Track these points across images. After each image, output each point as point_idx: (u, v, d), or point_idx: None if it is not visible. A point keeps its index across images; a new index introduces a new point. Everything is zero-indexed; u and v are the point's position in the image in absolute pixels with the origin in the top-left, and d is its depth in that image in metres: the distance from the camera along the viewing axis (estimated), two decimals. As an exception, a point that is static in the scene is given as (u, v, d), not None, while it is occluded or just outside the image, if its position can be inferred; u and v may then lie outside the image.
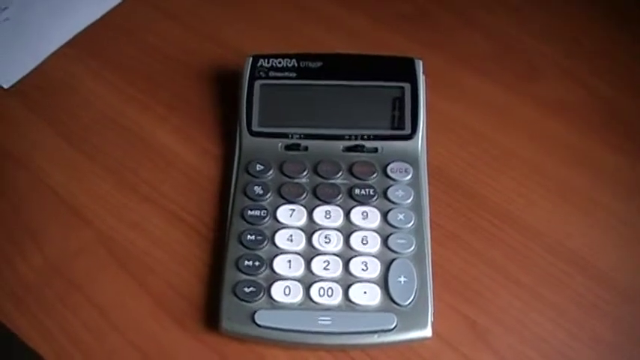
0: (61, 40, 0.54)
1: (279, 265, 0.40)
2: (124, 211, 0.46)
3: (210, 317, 0.41)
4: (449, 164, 0.47)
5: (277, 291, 0.40)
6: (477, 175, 0.47)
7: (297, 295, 0.40)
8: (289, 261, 0.41)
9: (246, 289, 0.40)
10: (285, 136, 0.45)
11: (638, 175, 0.47)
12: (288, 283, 0.40)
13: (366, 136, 0.45)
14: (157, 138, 0.49)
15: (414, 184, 0.43)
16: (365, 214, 0.42)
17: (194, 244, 0.44)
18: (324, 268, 0.40)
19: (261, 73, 0.46)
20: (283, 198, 0.43)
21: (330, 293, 0.39)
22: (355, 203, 0.43)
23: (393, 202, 0.43)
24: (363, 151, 0.44)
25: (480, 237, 0.44)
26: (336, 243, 0.41)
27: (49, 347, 0.40)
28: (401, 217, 0.42)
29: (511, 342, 0.40)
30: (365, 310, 0.39)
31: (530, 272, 0.43)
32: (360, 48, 0.48)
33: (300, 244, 0.41)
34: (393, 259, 0.41)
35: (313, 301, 0.39)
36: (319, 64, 0.47)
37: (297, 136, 0.45)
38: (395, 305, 0.39)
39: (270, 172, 0.44)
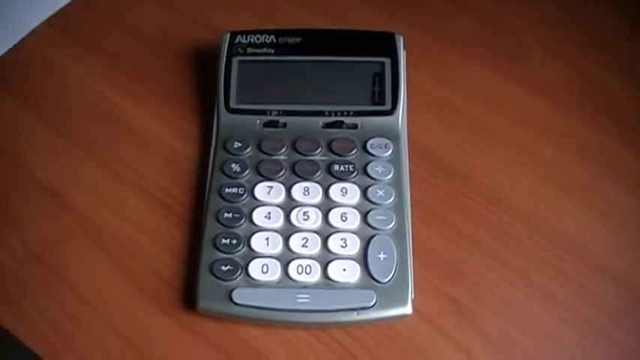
0: (37, 20, 0.53)
1: (257, 242, 0.40)
2: (105, 194, 0.45)
3: (189, 298, 0.40)
4: (434, 143, 0.46)
5: (255, 269, 0.39)
6: (462, 155, 0.46)
7: (275, 273, 0.39)
8: (267, 238, 0.40)
9: (224, 268, 0.39)
10: (263, 113, 0.44)
11: (624, 157, 0.46)
12: (265, 260, 0.39)
13: (345, 112, 0.44)
14: (136, 120, 0.48)
15: (394, 160, 0.43)
16: (344, 190, 0.41)
17: (173, 225, 0.43)
18: (303, 246, 0.40)
19: (239, 49, 0.46)
20: (261, 175, 0.42)
21: (308, 270, 0.39)
22: (334, 180, 0.42)
23: (373, 179, 0.42)
24: (343, 128, 0.44)
25: (464, 216, 0.43)
26: (315, 220, 0.41)
27: (30, 335, 0.40)
28: (381, 193, 0.41)
29: (494, 321, 0.40)
30: (344, 287, 0.39)
31: (515, 252, 0.42)
32: (344, 27, 0.48)
33: (279, 221, 0.41)
34: (373, 236, 0.40)
35: (291, 279, 0.39)
36: (298, 39, 0.46)
37: (276, 112, 0.44)
38: (374, 282, 0.39)
39: (248, 149, 0.43)
